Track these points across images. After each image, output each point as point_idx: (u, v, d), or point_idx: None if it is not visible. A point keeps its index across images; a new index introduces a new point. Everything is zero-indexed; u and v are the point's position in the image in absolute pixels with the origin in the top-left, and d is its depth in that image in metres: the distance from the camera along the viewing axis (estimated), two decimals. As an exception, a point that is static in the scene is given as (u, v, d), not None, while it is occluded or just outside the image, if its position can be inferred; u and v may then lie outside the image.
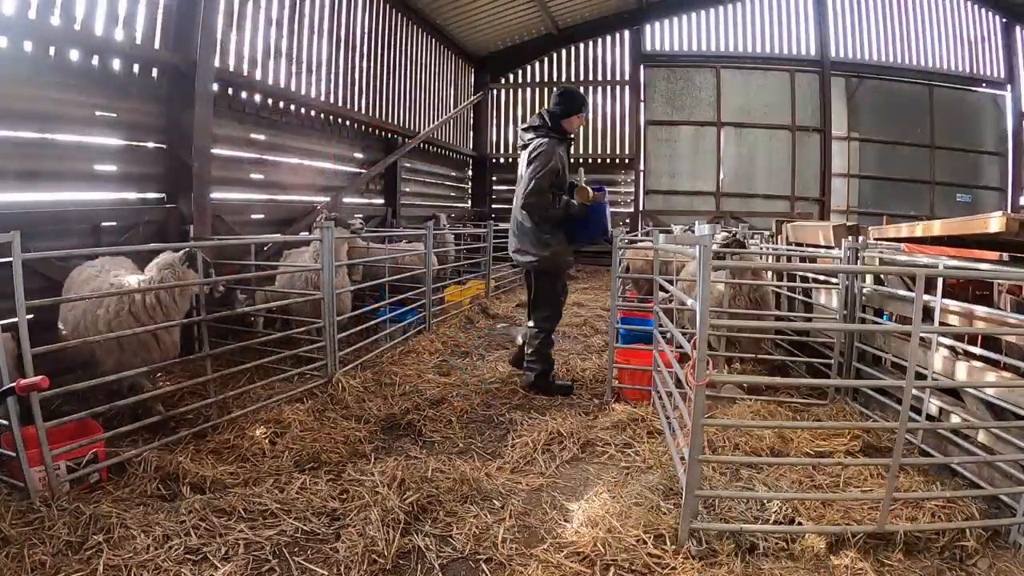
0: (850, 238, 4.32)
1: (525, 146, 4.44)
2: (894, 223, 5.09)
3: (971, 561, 2.44)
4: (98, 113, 4.86)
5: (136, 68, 5.12)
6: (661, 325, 3.91)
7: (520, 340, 4.89)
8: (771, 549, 2.48)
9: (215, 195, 5.76)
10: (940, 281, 3.40)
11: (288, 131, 7.40)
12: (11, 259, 2.67)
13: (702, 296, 2.39)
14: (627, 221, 13.84)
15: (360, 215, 8.23)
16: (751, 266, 4.79)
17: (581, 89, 14.37)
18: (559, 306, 4.70)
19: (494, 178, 15.27)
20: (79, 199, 4.78)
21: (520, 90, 15.01)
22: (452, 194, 14.06)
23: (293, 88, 7.54)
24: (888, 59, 14.04)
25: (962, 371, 3.23)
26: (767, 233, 7.43)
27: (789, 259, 5.58)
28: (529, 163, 4.30)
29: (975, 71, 14.16)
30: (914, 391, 3.11)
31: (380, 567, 2.39)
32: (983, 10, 14.12)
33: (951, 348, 3.48)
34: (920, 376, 3.28)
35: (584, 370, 5.16)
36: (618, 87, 14.43)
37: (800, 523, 2.62)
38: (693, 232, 6.83)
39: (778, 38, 14.05)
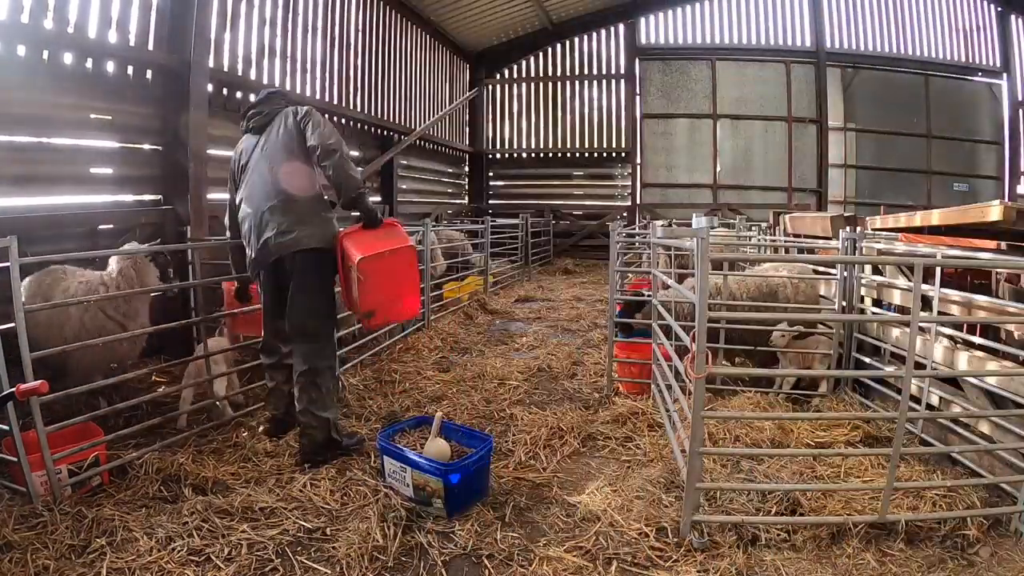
0: (848, 228, 4.32)
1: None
2: (892, 213, 5.09)
3: (972, 549, 2.45)
4: (93, 116, 4.84)
5: (130, 70, 5.10)
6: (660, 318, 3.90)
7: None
8: (773, 540, 2.49)
9: (212, 196, 5.74)
10: (938, 270, 3.40)
11: (284, 130, 7.36)
12: (8, 264, 2.66)
13: (700, 289, 2.39)
14: (624, 215, 13.84)
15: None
16: (749, 258, 4.79)
17: (576, 83, 14.44)
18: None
19: (491, 174, 15.25)
20: (75, 202, 4.76)
21: (516, 85, 14.97)
22: (449, 190, 14.04)
23: (288, 87, 7.51)
24: (884, 49, 14.01)
25: (961, 360, 3.23)
26: (764, 224, 7.44)
27: (787, 250, 5.58)
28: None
29: (971, 60, 14.14)
30: (914, 381, 3.12)
31: (382, 564, 2.39)
32: (978, -1, 14.11)
33: (950, 337, 3.48)
34: (919, 366, 3.29)
35: (584, 364, 5.16)
36: (613, 81, 14.40)
37: (801, 514, 2.63)
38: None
39: (773, 29, 14.02)
